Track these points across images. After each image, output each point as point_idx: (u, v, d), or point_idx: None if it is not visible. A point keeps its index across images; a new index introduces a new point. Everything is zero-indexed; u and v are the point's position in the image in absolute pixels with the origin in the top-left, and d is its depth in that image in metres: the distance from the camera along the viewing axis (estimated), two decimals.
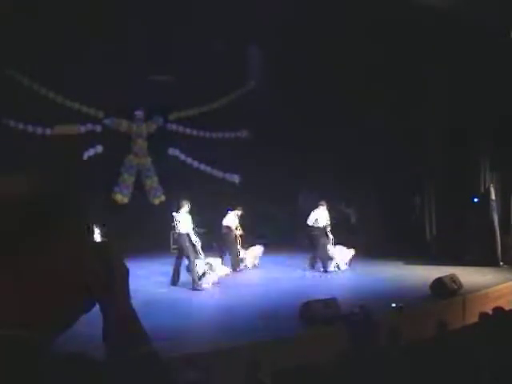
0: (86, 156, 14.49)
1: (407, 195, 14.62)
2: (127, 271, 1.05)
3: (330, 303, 7.74)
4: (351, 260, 12.47)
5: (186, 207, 10.52)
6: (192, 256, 10.24)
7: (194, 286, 10.07)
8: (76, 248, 0.96)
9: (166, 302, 9.08)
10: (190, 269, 10.28)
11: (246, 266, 12.69)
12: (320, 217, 12.22)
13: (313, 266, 12.20)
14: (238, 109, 15.52)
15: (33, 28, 11.39)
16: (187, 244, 10.36)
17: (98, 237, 9.91)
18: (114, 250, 1.04)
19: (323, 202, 12.34)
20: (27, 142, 13.04)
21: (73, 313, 0.97)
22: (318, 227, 12.17)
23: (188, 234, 10.40)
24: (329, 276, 11.67)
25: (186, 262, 10.43)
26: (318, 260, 12.16)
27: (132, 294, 1.06)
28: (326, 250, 12.06)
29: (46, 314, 0.91)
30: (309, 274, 11.88)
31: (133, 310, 1.05)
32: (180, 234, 10.54)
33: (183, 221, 10.43)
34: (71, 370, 0.88)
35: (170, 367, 1.09)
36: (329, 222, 12.38)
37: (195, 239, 10.47)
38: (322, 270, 11.92)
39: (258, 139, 15.56)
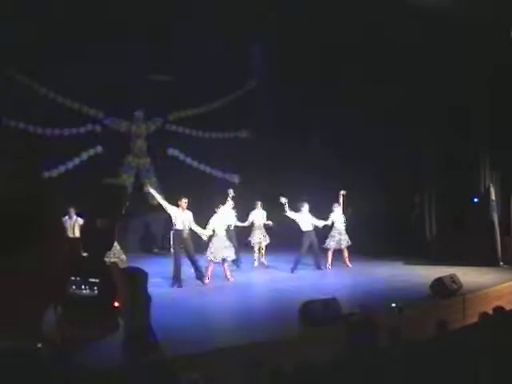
0: (85, 156, 14.51)
1: (407, 195, 14.60)
2: (150, 299, 1.18)
3: (329, 303, 7.73)
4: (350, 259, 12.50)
5: (183, 203, 10.56)
6: (177, 254, 10.39)
7: (174, 281, 10.35)
8: (55, 250, 0.94)
9: (166, 302, 9.06)
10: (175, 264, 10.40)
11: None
12: (298, 218, 12.29)
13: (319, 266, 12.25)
14: (238, 109, 15.49)
15: (33, 28, 11.38)
16: (179, 243, 10.47)
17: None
18: (141, 280, 1.16)
19: (303, 204, 12.33)
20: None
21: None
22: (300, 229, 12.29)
23: (183, 231, 10.47)
24: (329, 276, 11.68)
25: (186, 258, 10.54)
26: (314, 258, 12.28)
27: None
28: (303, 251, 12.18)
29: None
30: (308, 274, 11.90)
31: (150, 327, 1.16)
32: (177, 231, 10.60)
33: (183, 217, 10.51)
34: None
35: (176, 371, 1.16)
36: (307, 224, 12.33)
37: (203, 231, 10.59)
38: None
39: (258, 139, 15.53)
